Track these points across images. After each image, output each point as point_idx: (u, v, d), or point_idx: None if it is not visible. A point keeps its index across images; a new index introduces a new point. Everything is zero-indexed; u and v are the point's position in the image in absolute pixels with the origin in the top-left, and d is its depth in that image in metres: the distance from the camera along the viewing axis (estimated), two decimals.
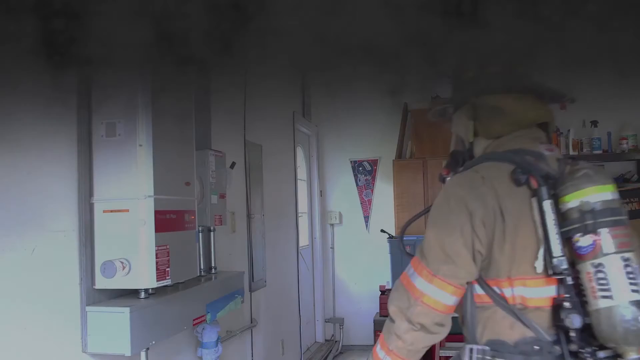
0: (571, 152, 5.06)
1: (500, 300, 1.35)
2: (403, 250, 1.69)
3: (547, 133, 1.52)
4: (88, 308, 2.01)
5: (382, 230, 4.92)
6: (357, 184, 5.81)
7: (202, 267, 2.71)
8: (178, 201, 2.24)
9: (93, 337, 2.00)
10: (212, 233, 2.83)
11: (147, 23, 2.01)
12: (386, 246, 4.91)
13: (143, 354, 2.14)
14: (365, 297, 5.46)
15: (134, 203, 2.03)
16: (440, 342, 4.25)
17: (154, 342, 2.11)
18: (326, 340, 5.62)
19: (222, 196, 2.88)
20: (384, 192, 5.57)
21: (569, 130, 5.10)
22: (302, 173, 5.47)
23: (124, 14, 1.95)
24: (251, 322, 3.54)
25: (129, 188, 2.04)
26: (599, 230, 1.26)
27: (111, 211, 2.04)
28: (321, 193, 5.81)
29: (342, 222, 5.85)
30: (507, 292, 1.35)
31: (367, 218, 5.78)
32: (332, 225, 5.80)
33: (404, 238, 1.70)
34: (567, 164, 1.41)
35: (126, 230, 2.03)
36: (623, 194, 5.10)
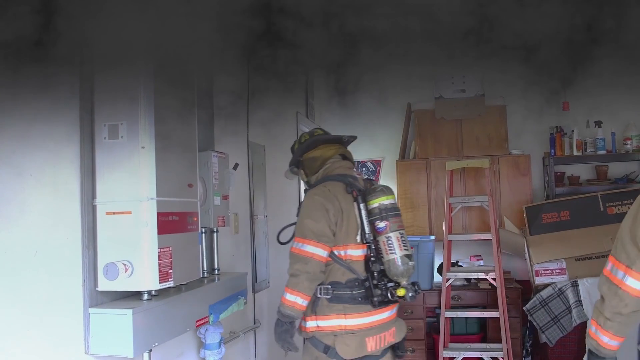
0: (575, 153, 5.02)
1: (337, 259, 2.37)
2: (279, 241, 2.71)
3: (353, 162, 2.65)
4: (91, 310, 2.02)
5: None
6: None
7: (205, 269, 2.71)
8: (181, 203, 2.24)
9: (96, 339, 2.01)
10: (215, 234, 2.84)
11: (150, 25, 2.01)
12: None
13: (146, 355, 2.14)
14: None
15: (137, 205, 2.03)
16: (444, 342, 4.30)
17: (156, 344, 2.12)
18: None
19: (225, 197, 2.88)
20: None
21: (572, 131, 5.06)
22: None
23: (127, 16, 1.96)
24: (254, 323, 3.53)
25: (132, 190, 2.04)
26: (388, 219, 2.33)
27: (114, 213, 2.04)
28: None
29: None
30: (342, 253, 2.37)
31: None
32: None
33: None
34: (368, 182, 2.53)
35: (129, 232, 2.03)
36: (627, 195, 5.01)
